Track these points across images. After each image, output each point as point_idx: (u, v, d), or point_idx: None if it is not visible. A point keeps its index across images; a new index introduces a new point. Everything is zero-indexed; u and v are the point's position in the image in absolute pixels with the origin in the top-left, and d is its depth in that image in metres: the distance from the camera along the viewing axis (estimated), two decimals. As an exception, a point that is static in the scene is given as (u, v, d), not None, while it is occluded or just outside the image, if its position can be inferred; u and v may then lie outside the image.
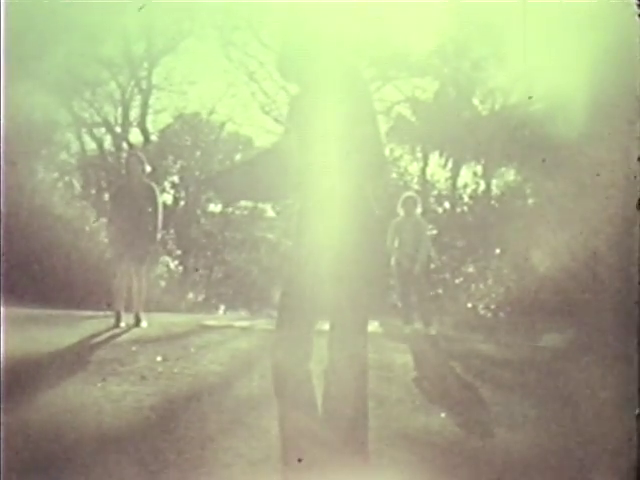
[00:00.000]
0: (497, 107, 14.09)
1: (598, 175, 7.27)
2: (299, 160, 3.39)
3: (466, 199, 14.71)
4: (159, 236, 7.74)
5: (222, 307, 13.35)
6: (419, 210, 8.68)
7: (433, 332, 8.20)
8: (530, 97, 11.38)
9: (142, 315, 7.46)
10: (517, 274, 9.56)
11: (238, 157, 14.12)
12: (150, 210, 7.45)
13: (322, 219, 3.37)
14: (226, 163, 14.09)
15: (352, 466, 3.30)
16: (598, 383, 5.09)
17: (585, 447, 4.05)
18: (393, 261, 8.49)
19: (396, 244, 8.44)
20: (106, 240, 8.09)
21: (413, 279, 8.43)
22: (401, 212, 8.50)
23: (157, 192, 7.63)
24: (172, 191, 15.15)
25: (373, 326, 8.97)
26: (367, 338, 3.39)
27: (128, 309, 7.46)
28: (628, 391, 4.07)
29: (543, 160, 10.58)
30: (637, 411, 3.91)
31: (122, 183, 7.81)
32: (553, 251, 8.28)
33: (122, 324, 7.24)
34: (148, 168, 7.67)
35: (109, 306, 7.55)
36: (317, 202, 3.35)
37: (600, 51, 6.73)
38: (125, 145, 14.30)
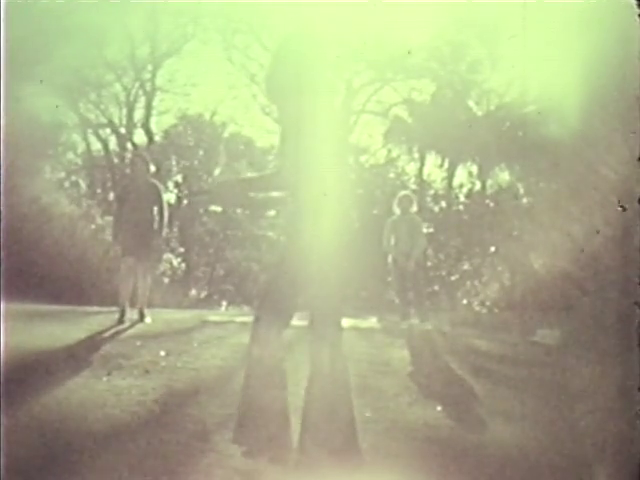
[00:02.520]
0: (492, 108, 14.10)
1: (595, 175, 7.25)
2: (292, 165, 3.41)
3: (462, 198, 14.71)
4: (164, 233, 7.75)
5: (224, 303, 13.35)
6: (415, 208, 8.66)
7: (429, 327, 8.17)
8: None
9: (146, 311, 7.45)
10: (511, 271, 9.56)
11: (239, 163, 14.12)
12: (155, 208, 7.45)
13: (312, 220, 3.40)
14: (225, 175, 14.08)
15: (345, 458, 3.32)
16: (595, 380, 5.09)
17: (581, 442, 4.05)
18: (390, 258, 8.47)
19: (392, 242, 8.41)
20: (111, 238, 8.05)
21: (409, 276, 8.41)
22: (397, 210, 8.48)
23: (162, 191, 7.64)
24: (175, 190, 15.15)
25: (371, 322, 8.97)
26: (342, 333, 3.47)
27: (133, 305, 7.45)
28: (627, 389, 4.06)
29: (538, 160, 10.57)
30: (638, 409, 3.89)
31: (127, 183, 7.82)
32: (547, 249, 8.28)
33: (126, 320, 7.23)
34: (152, 168, 7.69)
35: (114, 302, 7.52)
36: (308, 204, 3.39)
37: (599, 51, 6.71)
38: (130, 145, 14.30)
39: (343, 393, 3.49)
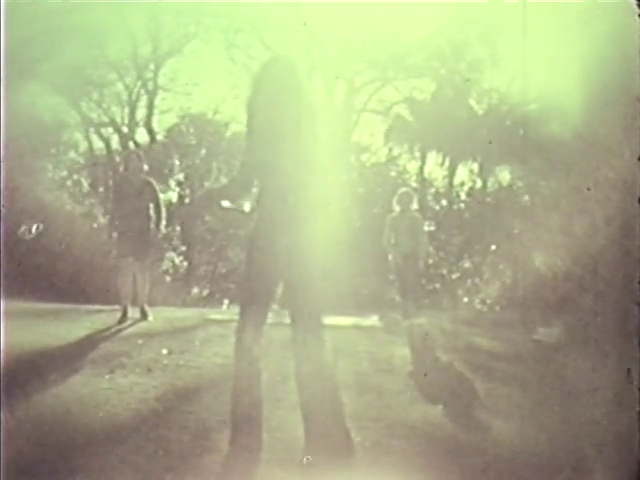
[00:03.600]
0: (493, 107, 14.09)
1: (596, 174, 7.24)
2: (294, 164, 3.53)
3: (463, 196, 14.71)
4: (163, 231, 7.66)
5: (226, 301, 13.33)
6: (415, 205, 8.59)
7: (423, 320, 8.00)
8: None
9: (148, 309, 7.42)
10: (512, 270, 9.55)
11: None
12: (151, 206, 7.35)
13: (283, 219, 3.49)
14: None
15: (340, 452, 3.37)
16: (596, 378, 5.08)
17: (581, 440, 4.05)
18: (390, 257, 8.39)
19: (392, 240, 8.31)
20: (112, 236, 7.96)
21: (411, 274, 8.33)
22: (397, 208, 8.40)
23: (157, 187, 7.51)
24: (177, 189, 15.14)
25: (372, 320, 8.96)
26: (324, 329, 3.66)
27: (135, 303, 7.43)
28: (628, 388, 4.06)
29: (539, 159, 10.56)
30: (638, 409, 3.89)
31: (121, 181, 7.69)
32: (548, 247, 8.27)
33: (129, 318, 7.20)
34: (146, 166, 7.57)
35: (116, 301, 7.48)
36: (279, 203, 3.49)
37: (599, 51, 6.69)
38: (132, 144, 14.30)
39: (330, 387, 3.52)
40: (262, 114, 3.65)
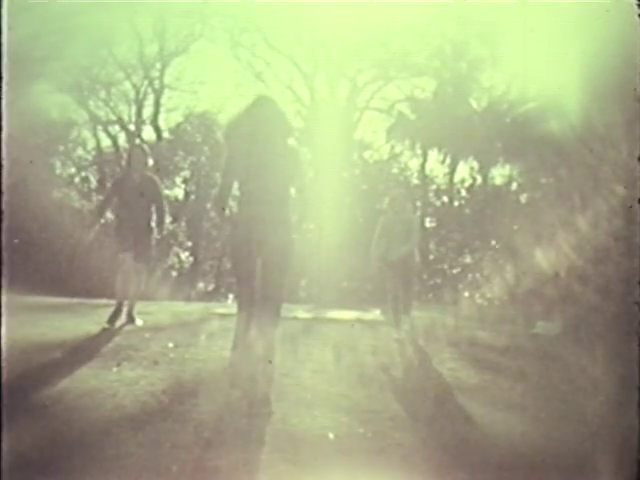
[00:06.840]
0: (493, 105, 14.08)
1: (596, 171, 7.21)
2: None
3: (463, 193, 14.71)
4: (165, 230, 7.16)
5: (231, 296, 13.36)
6: (409, 206, 8.05)
7: (402, 335, 7.25)
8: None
9: (153, 304, 7.23)
10: (512, 265, 9.54)
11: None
12: (153, 203, 6.78)
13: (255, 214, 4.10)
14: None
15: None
16: (596, 372, 5.07)
17: (581, 433, 4.04)
18: (376, 264, 7.62)
19: (383, 246, 7.50)
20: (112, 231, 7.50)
21: (403, 279, 7.60)
22: (390, 210, 7.69)
23: (159, 185, 6.97)
24: (183, 185, 15.18)
25: (375, 314, 8.95)
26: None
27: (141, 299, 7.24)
28: (627, 382, 4.04)
29: (538, 156, 10.55)
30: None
31: (123, 176, 7.06)
32: (547, 243, 8.26)
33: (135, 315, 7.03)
34: (150, 161, 7.09)
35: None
36: (256, 204, 4.12)
37: (599, 50, 6.65)
38: (139, 142, 14.32)
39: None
40: (244, 137, 4.21)
